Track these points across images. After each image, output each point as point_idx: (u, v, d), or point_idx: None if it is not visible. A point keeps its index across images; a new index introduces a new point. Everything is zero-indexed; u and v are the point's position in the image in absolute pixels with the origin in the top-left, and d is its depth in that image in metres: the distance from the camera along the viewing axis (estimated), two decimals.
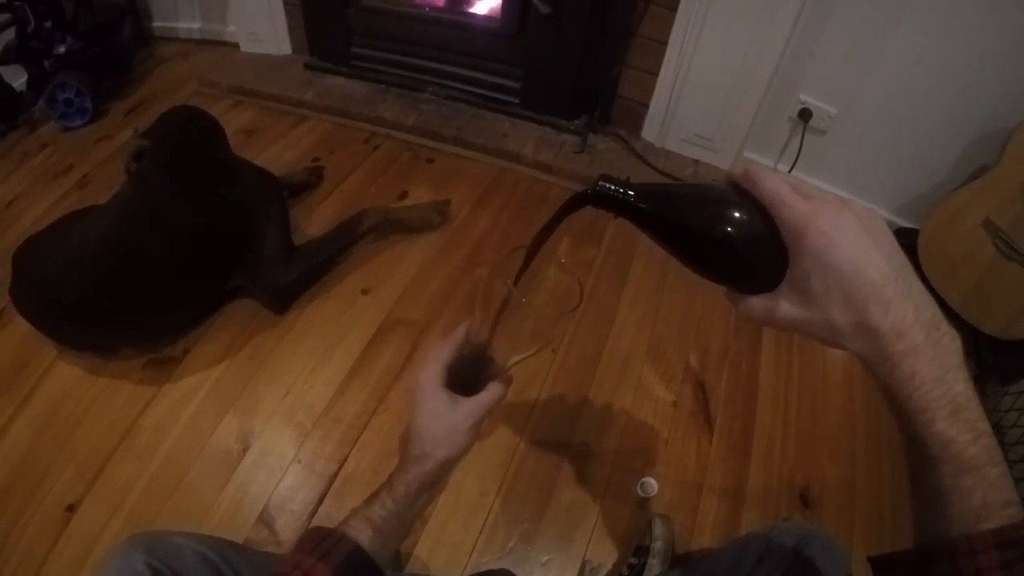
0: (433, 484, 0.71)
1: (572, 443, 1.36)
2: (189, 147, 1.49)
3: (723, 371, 1.53)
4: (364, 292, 1.63)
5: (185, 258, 1.42)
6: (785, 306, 0.51)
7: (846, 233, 0.48)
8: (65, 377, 1.48)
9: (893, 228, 1.88)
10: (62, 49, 2.32)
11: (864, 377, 1.55)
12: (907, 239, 1.83)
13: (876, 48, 1.74)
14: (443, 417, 0.70)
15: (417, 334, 1.53)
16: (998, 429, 1.36)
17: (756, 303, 0.54)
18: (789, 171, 2.00)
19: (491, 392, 0.73)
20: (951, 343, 0.48)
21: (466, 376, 0.73)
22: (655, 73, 1.98)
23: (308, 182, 1.94)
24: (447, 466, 0.70)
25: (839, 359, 1.60)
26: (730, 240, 0.52)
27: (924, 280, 1.62)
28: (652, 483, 1.28)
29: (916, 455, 0.49)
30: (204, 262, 1.46)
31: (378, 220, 1.70)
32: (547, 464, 1.33)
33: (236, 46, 2.59)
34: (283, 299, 1.56)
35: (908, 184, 1.90)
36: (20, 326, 1.59)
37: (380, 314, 1.58)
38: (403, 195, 1.95)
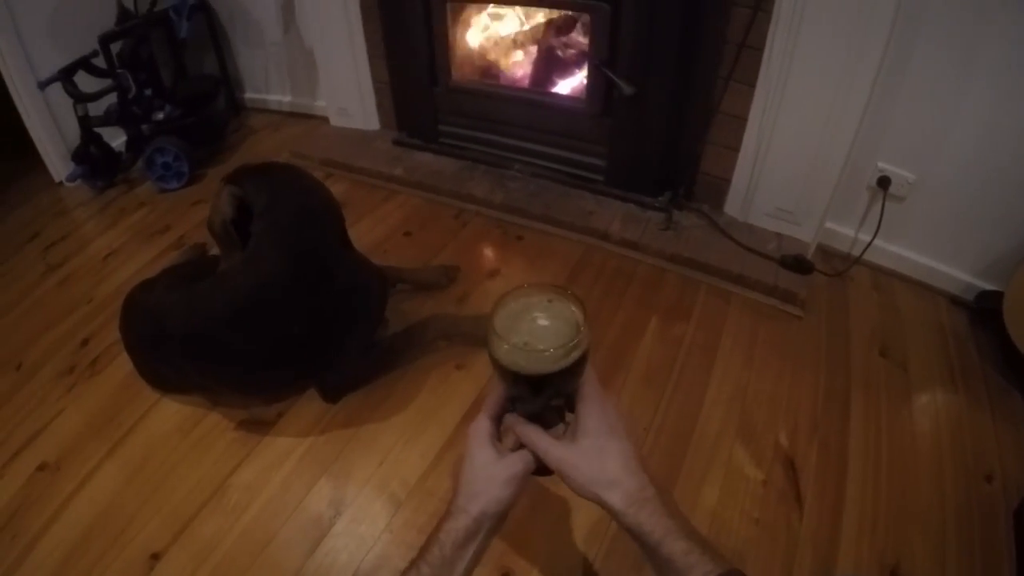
0: (470, 540, 0.70)
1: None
2: (310, 229, 1.41)
3: (812, 448, 1.49)
4: (458, 367, 1.63)
5: (290, 339, 1.41)
6: (561, 451, 0.72)
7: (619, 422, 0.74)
8: (158, 429, 1.51)
9: (976, 291, 1.90)
10: (160, 115, 2.46)
11: (954, 454, 1.51)
12: (991, 301, 1.80)
13: (950, 111, 1.73)
14: (482, 469, 0.72)
15: None
16: None
17: (544, 439, 0.73)
18: (871, 240, 1.98)
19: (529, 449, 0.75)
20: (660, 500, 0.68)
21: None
22: (736, 149, 1.99)
23: (437, 283, 1.89)
24: (482, 520, 0.71)
25: (927, 435, 1.55)
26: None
27: (1010, 342, 1.67)
28: None
29: (659, 567, 0.67)
30: (304, 346, 1.44)
31: (444, 329, 1.69)
32: (634, 547, 1.29)
33: (325, 119, 2.69)
34: (339, 394, 1.55)
35: (990, 246, 1.86)
36: (115, 373, 1.65)
37: (474, 389, 1.57)
38: (495, 273, 1.96)
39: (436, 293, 1.87)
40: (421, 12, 2.19)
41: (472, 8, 2.26)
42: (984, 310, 1.85)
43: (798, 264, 1.90)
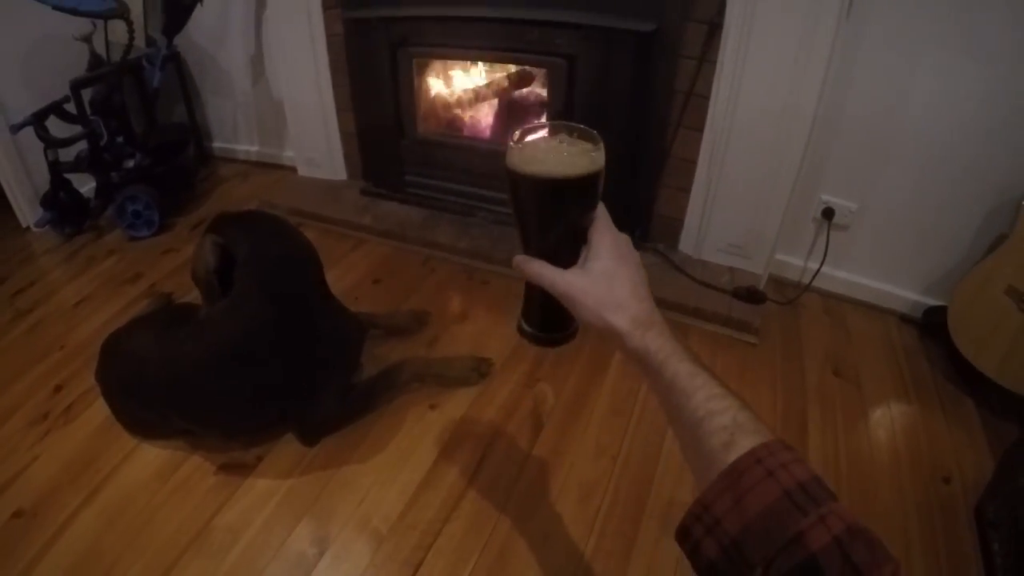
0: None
1: (637, 544, 1.38)
2: (292, 276, 1.48)
3: None
4: (432, 407, 1.69)
5: (271, 385, 1.46)
6: (570, 277, 0.71)
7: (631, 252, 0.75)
8: (137, 474, 1.53)
9: (923, 307, 2.03)
10: (131, 163, 2.49)
11: (911, 460, 1.59)
12: (937, 316, 1.92)
13: (885, 142, 1.88)
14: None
15: (485, 445, 1.58)
16: None
17: (549, 269, 0.73)
18: (819, 267, 2.10)
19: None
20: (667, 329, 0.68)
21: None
22: (688, 190, 2.11)
23: (409, 327, 1.96)
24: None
25: (884, 444, 1.63)
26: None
27: (957, 352, 1.78)
28: None
29: (670, 401, 0.64)
30: (285, 391, 1.49)
31: (416, 373, 1.73)
32: (612, 569, 1.33)
33: (293, 169, 2.76)
34: (317, 437, 1.59)
35: (932, 264, 1.99)
36: (91, 420, 1.67)
37: (448, 428, 1.63)
38: (463, 317, 2.03)
39: (407, 337, 1.93)
40: (388, 66, 2.29)
41: (437, 63, 2.37)
42: (932, 325, 1.98)
43: (751, 295, 2.00)
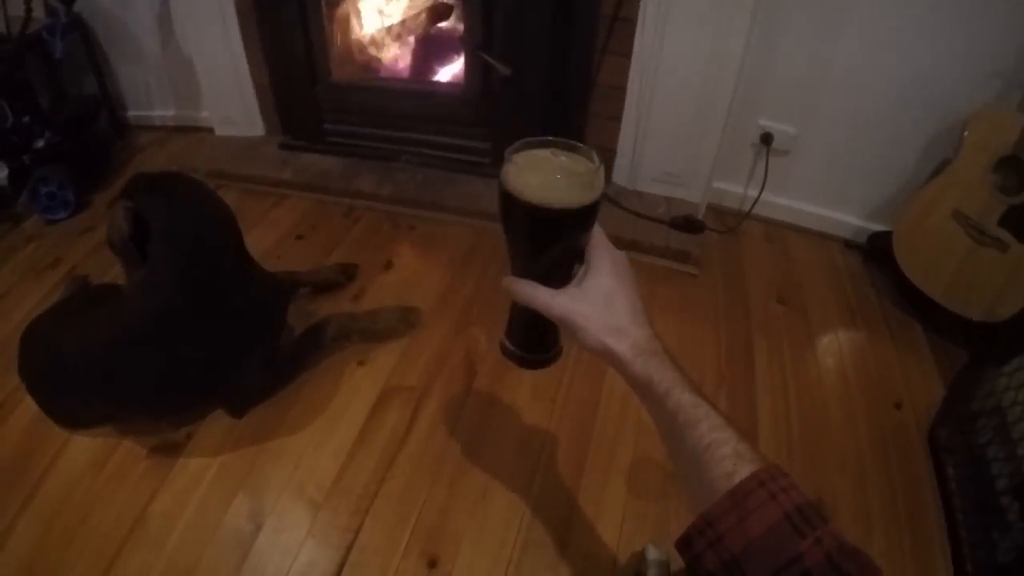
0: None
1: (581, 489, 1.38)
2: (209, 250, 1.39)
3: (720, 399, 1.55)
4: (360, 363, 1.66)
5: (190, 364, 1.42)
6: (565, 300, 0.70)
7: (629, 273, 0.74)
8: (70, 469, 1.49)
9: (867, 233, 2.02)
10: (41, 143, 2.38)
11: (861, 387, 1.59)
12: (881, 242, 1.92)
13: (824, 64, 1.84)
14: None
15: (417, 399, 1.56)
16: (998, 410, 1.39)
17: (543, 292, 0.71)
18: (759, 194, 2.08)
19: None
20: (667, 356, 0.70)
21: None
22: (618, 119, 2.06)
23: (336, 281, 1.91)
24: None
25: (833, 372, 1.64)
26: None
27: (904, 277, 1.80)
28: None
29: (672, 431, 0.66)
30: (206, 367, 1.46)
31: (341, 329, 1.70)
32: (560, 508, 1.35)
33: (211, 130, 2.66)
34: (245, 408, 1.56)
35: (876, 190, 1.99)
36: (20, 420, 1.61)
37: (378, 383, 1.61)
38: (388, 265, 1.99)
39: (332, 292, 1.89)
40: (296, 10, 2.19)
41: (348, 2, 2.27)
42: (876, 250, 1.98)
43: (688, 224, 1.98)
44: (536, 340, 0.81)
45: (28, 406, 1.60)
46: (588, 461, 1.43)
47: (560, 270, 0.74)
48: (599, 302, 0.70)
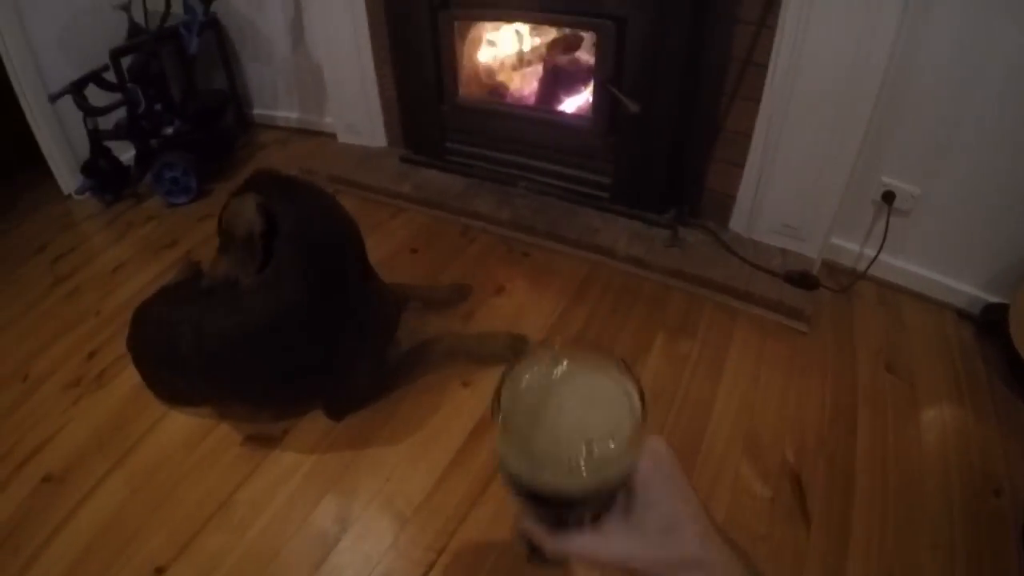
0: None
1: None
2: (334, 256, 1.41)
3: (819, 464, 1.49)
4: (464, 384, 1.63)
5: (301, 363, 1.43)
6: (618, 545, 0.52)
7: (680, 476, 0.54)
8: (164, 443, 1.51)
9: (982, 303, 1.90)
10: (169, 130, 2.47)
11: (961, 468, 1.51)
12: (997, 314, 1.81)
13: (952, 124, 1.75)
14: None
15: None
16: None
17: (586, 541, 0.53)
18: (876, 254, 1.99)
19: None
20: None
21: None
22: (741, 165, 2.00)
23: (449, 300, 1.91)
24: None
25: (934, 449, 1.55)
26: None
27: (1015, 354, 1.67)
28: None
29: None
30: (316, 368, 1.45)
31: (450, 349, 1.69)
32: None
33: (333, 136, 2.72)
34: (345, 412, 1.55)
35: (995, 259, 1.87)
36: (122, 386, 1.66)
37: (480, 407, 1.57)
38: (500, 289, 1.97)
39: (443, 310, 1.88)
40: (428, 30, 2.21)
41: (480, 26, 2.29)
42: (990, 323, 1.86)
43: (803, 280, 1.90)
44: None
45: (131, 375, 1.63)
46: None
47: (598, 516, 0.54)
48: (659, 535, 0.52)
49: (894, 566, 1.30)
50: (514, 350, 1.70)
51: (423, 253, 2.15)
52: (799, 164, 1.88)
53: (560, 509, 0.51)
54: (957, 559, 1.32)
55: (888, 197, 1.92)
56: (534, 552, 0.57)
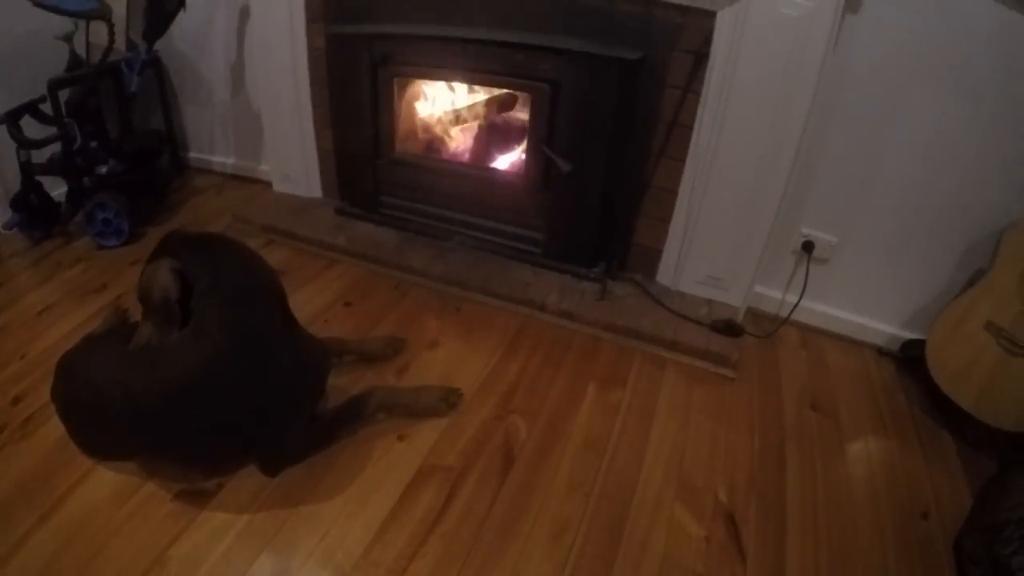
0: None
1: None
2: (255, 309, 1.41)
3: (751, 503, 1.56)
4: (400, 438, 1.65)
5: (228, 419, 1.41)
6: None
7: None
8: (92, 497, 1.47)
9: (900, 341, 2.09)
10: (104, 169, 2.43)
11: (890, 495, 1.61)
12: (914, 350, 1.94)
13: (867, 177, 1.91)
14: None
15: (453, 480, 1.55)
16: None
17: None
18: (798, 300, 2.12)
19: None
20: None
21: None
22: (667, 220, 2.12)
23: (383, 354, 1.92)
24: None
25: (862, 480, 1.64)
26: None
27: (935, 386, 1.81)
28: None
29: None
30: (244, 424, 1.44)
31: (383, 402, 1.70)
32: None
33: (268, 185, 2.72)
34: (279, 469, 1.54)
35: (911, 298, 2.03)
36: (48, 436, 1.61)
37: (416, 460, 1.60)
38: (434, 343, 2.00)
39: (377, 364, 1.90)
40: (369, 84, 2.27)
41: (418, 84, 2.36)
42: (910, 358, 2.02)
43: (729, 328, 2.01)
44: None
45: (57, 424, 1.58)
46: (618, 558, 1.41)
47: None
48: None
49: None
50: (448, 403, 1.74)
51: (357, 306, 2.17)
52: (722, 218, 2.00)
53: None
54: None
55: (808, 246, 2.08)
56: None
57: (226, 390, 1.37)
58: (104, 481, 1.51)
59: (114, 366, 1.46)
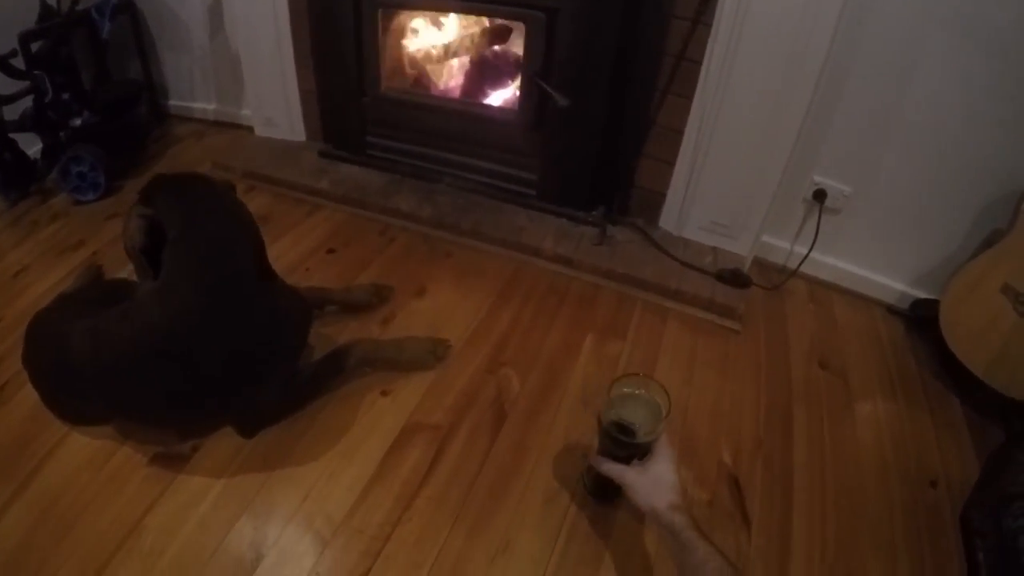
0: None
1: (610, 547, 1.31)
2: (228, 259, 1.32)
3: (757, 465, 1.50)
4: (384, 394, 1.58)
5: (202, 378, 1.34)
6: (632, 476, 1.18)
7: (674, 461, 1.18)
8: (68, 464, 1.42)
9: (910, 299, 1.98)
10: (78, 122, 2.34)
11: (898, 462, 1.55)
12: (926, 310, 1.87)
13: (885, 126, 1.80)
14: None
15: (441, 438, 1.48)
16: None
17: (619, 469, 1.20)
18: (808, 252, 2.03)
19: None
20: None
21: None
22: (672, 162, 2.00)
23: (368, 303, 1.83)
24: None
25: (870, 445, 1.59)
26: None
27: (946, 349, 1.74)
28: None
29: (688, 565, 1.03)
30: (219, 382, 1.37)
31: (365, 356, 1.61)
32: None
33: (250, 129, 2.62)
34: (255, 429, 1.48)
35: (924, 256, 1.94)
36: (24, 402, 1.54)
37: (401, 417, 1.53)
38: (421, 291, 1.92)
39: (361, 314, 1.81)
40: (351, 18, 2.13)
41: (404, 15, 2.22)
42: (919, 318, 1.93)
43: (735, 278, 1.92)
44: (607, 488, 1.30)
45: (31, 391, 1.52)
46: (616, 523, 1.34)
47: (630, 459, 1.21)
48: (652, 481, 1.15)
49: (836, 564, 1.33)
50: (435, 355, 1.66)
51: (341, 253, 2.08)
52: (731, 161, 1.89)
53: (621, 453, 1.21)
54: (899, 552, 1.36)
55: (819, 195, 1.96)
56: (595, 491, 1.37)
57: (195, 348, 1.29)
58: (79, 447, 1.46)
59: (83, 326, 1.39)
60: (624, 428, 1.20)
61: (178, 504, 1.34)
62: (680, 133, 1.94)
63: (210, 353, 1.31)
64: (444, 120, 2.26)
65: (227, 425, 1.48)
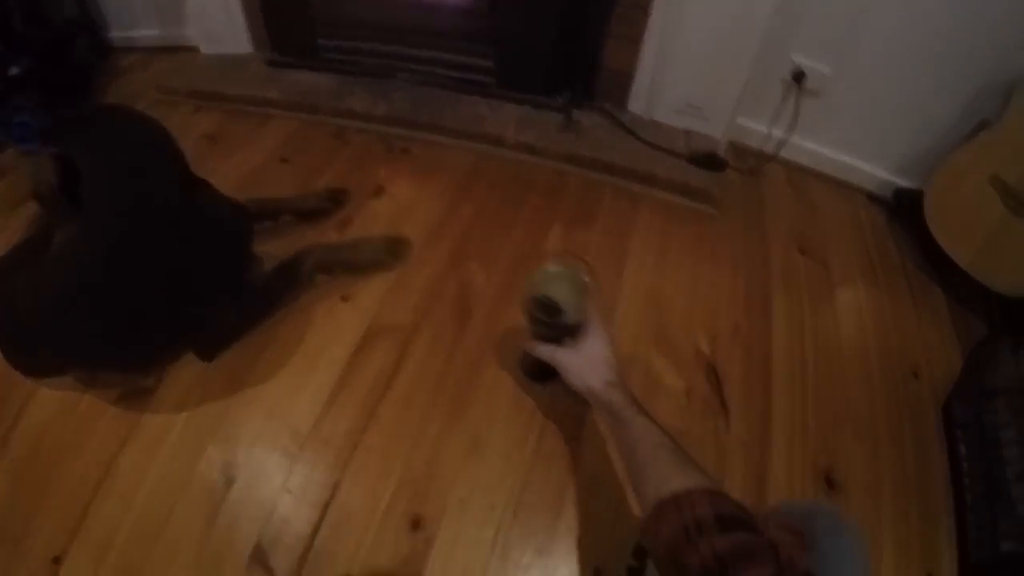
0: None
1: (583, 440, 1.29)
2: (148, 184, 1.26)
3: (735, 353, 1.46)
4: (344, 299, 1.53)
5: (146, 309, 1.29)
6: (563, 355, 1.17)
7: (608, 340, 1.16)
8: (39, 416, 1.39)
9: (892, 187, 1.92)
10: (15, 70, 2.21)
11: (880, 352, 1.52)
12: (907, 199, 1.84)
13: (867, 3, 1.69)
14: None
15: (405, 339, 1.44)
16: (1022, 392, 1.32)
17: (551, 350, 1.19)
18: (786, 136, 1.96)
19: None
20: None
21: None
22: (639, 41, 1.88)
23: (323, 208, 1.76)
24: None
25: (852, 333, 1.55)
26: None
27: (931, 238, 1.70)
28: None
29: (625, 444, 0.99)
30: (165, 310, 1.32)
31: (320, 262, 1.56)
32: (558, 471, 1.25)
33: (197, 49, 2.48)
34: (215, 350, 1.44)
35: (908, 144, 1.87)
36: None
37: (363, 321, 1.48)
38: (379, 191, 1.84)
39: (318, 220, 1.75)
40: None
41: None
42: (902, 207, 1.89)
43: (710, 161, 1.86)
44: (543, 370, 1.27)
45: None
46: (590, 417, 1.32)
47: (560, 340, 1.19)
48: (585, 358, 1.13)
49: (819, 453, 1.31)
50: (393, 254, 1.60)
51: (294, 161, 1.99)
52: (703, 39, 1.79)
53: (550, 333, 1.19)
54: (880, 443, 1.35)
55: (798, 76, 1.87)
56: (532, 374, 1.36)
57: (129, 279, 1.24)
58: (47, 401, 1.42)
59: (24, 277, 1.34)
60: (550, 308, 1.15)
61: (147, 440, 1.31)
62: (647, 9, 1.81)
63: (144, 282, 1.26)
64: (396, 11, 2.11)
65: (187, 351, 1.44)
